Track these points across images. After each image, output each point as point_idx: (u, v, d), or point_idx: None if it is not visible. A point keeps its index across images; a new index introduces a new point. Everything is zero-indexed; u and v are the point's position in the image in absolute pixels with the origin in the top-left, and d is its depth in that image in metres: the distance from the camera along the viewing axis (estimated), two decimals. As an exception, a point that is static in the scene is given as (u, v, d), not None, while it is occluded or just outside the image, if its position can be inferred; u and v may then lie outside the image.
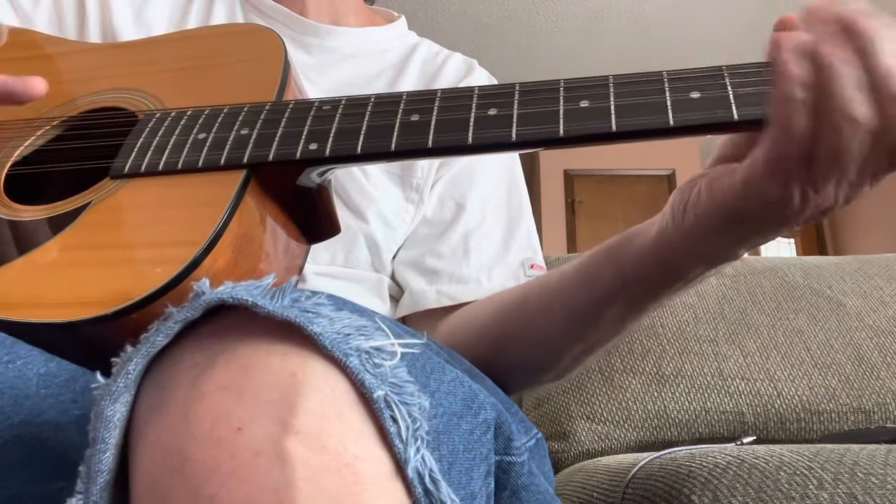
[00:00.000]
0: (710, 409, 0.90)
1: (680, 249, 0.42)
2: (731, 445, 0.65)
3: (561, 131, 0.38)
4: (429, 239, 0.66)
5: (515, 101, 0.40)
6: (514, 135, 0.39)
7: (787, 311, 1.00)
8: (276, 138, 0.43)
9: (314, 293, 0.30)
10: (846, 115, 0.32)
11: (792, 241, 3.98)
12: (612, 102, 0.38)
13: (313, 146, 0.42)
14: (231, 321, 0.29)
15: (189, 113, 0.46)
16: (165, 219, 0.41)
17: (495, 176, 0.70)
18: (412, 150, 0.41)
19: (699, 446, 0.62)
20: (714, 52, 3.39)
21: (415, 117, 0.41)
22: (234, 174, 0.42)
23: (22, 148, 0.50)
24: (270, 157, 0.42)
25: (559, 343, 0.53)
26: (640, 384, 0.92)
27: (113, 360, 0.29)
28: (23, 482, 0.35)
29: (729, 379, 0.92)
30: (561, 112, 0.39)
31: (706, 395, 0.91)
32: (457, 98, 0.42)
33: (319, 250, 0.61)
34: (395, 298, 0.67)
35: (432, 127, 0.41)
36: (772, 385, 0.91)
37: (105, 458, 0.27)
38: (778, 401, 0.90)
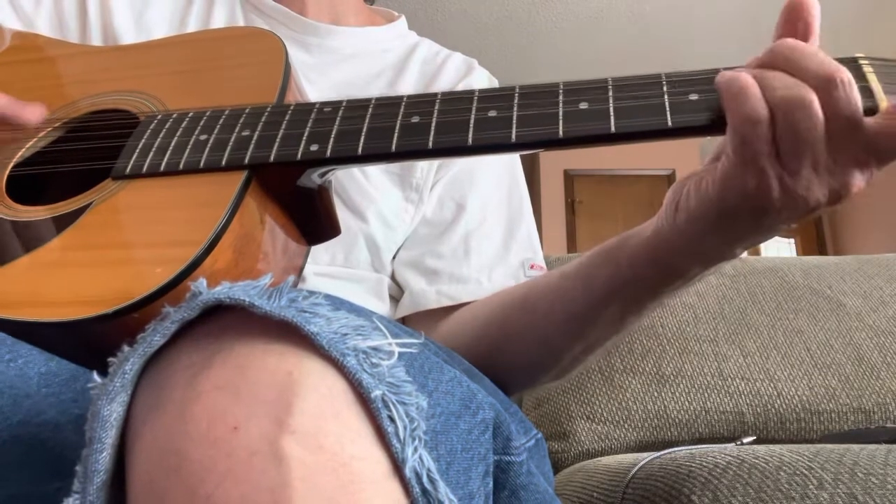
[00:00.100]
0: (710, 409, 0.90)
1: (675, 248, 0.42)
2: (731, 445, 0.65)
3: (560, 132, 0.39)
4: (429, 239, 0.66)
5: (515, 103, 0.41)
6: (513, 136, 0.39)
7: (787, 311, 1.00)
8: (278, 139, 0.43)
9: (311, 293, 0.30)
10: (785, 95, 0.35)
11: (792, 241, 3.97)
12: (610, 104, 0.39)
13: (314, 147, 0.42)
14: (228, 321, 0.29)
15: (190, 115, 0.46)
16: (166, 219, 0.41)
17: (495, 176, 0.70)
18: (412, 152, 0.41)
19: (699, 446, 0.62)
20: (714, 53, 3.39)
21: (415, 119, 0.42)
22: (236, 175, 0.42)
23: (24, 149, 0.50)
24: (272, 157, 0.42)
25: (559, 343, 0.53)
26: (640, 384, 0.92)
27: (110, 360, 0.29)
28: (21, 482, 0.35)
29: (729, 379, 0.92)
30: (560, 114, 0.39)
31: (706, 395, 0.91)
32: (457, 100, 0.42)
33: (319, 250, 0.61)
34: (395, 299, 0.67)
35: (433, 128, 0.41)
36: (772, 385, 0.91)
37: (102, 457, 0.27)
38: (778, 401, 0.90)
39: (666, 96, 0.38)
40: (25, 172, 0.50)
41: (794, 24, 0.38)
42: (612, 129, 0.38)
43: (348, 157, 0.42)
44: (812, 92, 0.34)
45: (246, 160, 0.42)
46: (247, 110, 0.45)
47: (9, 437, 0.35)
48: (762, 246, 3.91)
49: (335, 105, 0.44)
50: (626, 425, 0.90)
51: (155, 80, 0.53)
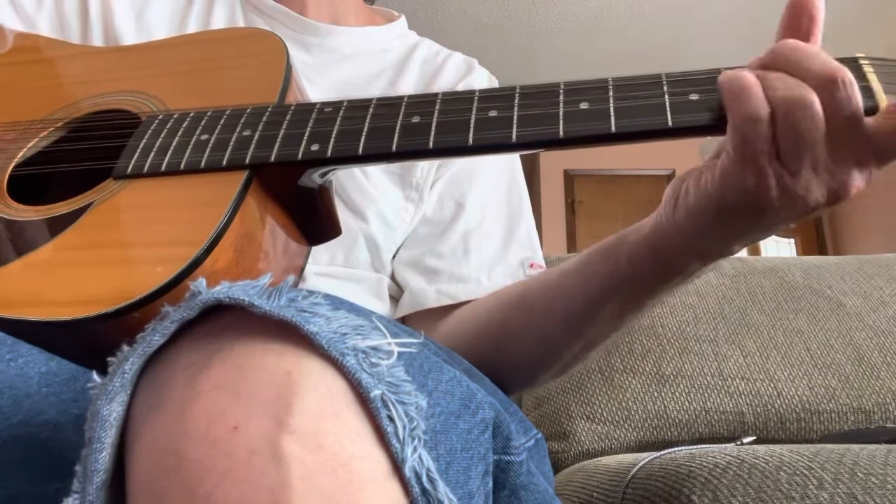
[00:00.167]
0: (710, 409, 0.90)
1: (673, 244, 0.42)
2: (731, 445, 0.65)
3: (561, 132, 0.39)
4: (428, 238, 0.66)
5: (515, 103, 0.41)
6: (514, 136, 0.39)
7: (787, 311, 1.00)
8: (279, 139, 0.43)
9: (311, 293, 0.30)
10: (786, 95, 0.35)
11: (792, 241, 3.97)
12: (611, 104, 0.39)
13: (315, 147, 0.42)
14: (227, 321, 0.29)
15: (192, 115, 0.46)
16: (167, 219, 0.41)
17: (495, 175, 0.70)
18: (413, 151, 0.41)
19: (699, 446, 0.62)
20: (714, 53, 3.39)
21: (416, 119, 0.42)
22: (236, 175, 0.42)
23: (25, 149, 0.50)
24: (272, 157, 0.42)
25: (558, 341, 0.53)
26: (640, 384, 0.92)
27: (109, 359, 0.29)
28: (21, 482, 0.35)
29: (729, 379, 0.92)
30: (561, 114, 0.39)
31: (706, 395, 0.91)
32: (457, 100, 0.42)
33: (319, 250, 0.61)
34: (395, 298, 0.67)
35: (433, 128, 0.41)
36: (772, 385, 0.91)
37: (101, 457, 0.27)
38: (778, 401, 0.90)
39: (666, 96, 0.38)
40: (27, 172, 0.50)
41: (798, 21, 0.38)
42: (613, 129, 0.38)
43: (349, 157, 0.42)
44: (813, 92, 0.34)
45: (247, 160, 0.42)
46: (248, 110, 0.45)
47: (9, 437, 0.35)
48: (762, 246, 3.91)
49: (336, 105, 0.44)
50: (626, 425, 0.90)
51: (156, 80, 0.53)
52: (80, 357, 0.40)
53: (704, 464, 0.53)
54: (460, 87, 0.71)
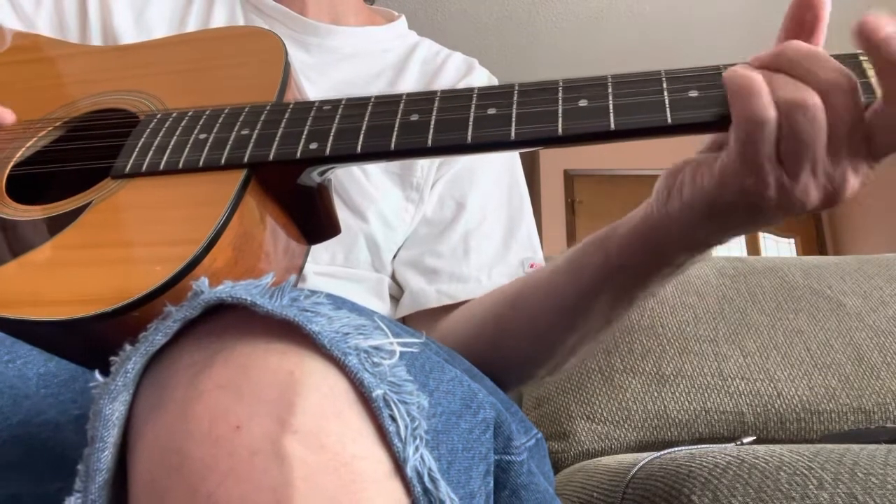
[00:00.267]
0: (710, 409, 0.90)
1: (664, 235, 0.43)
2: (731, 445, 0.65)
3: (559, 130, 0.39)
4: (429, 238, 0.66)
5: (514, 101, 0.41)
6: (513, 134, 0.39)
7: (787, 311, 1.00)
8: (277, 138, 0.43)
9: (313, 292, 0.30)
10: (790, 98, 0.34)
11: (792, 241, 3.97)
12: (610, 101, 0.39)
13: (313, 146, 0.42)
14: (230, 320, 0.29)
15: (190, 114, 0.46)
16: (166, 218, 0.41)
17: (495, 175, 0.70)
18: (412, 150, 0.41)
19: (699, 446, 0.62)
20: (714, 53, 3.39)
21: (414, 117, 0.42)
22: (235, 174, 0.42)
23: (24, 149, 0.50)
24: (271, 156, 0.42)
25: (552, 336, 0.53)
26: (640, 384, 0.92)
27: (111, 358, 0.29)
28: (22, 482, 0.35)
29: (729, 379, 0.92)
30: (560, 111, 0.39)
31: (706, 395, 0.91)
32: (456, 98, 0.42)
33: (319, 250, 0.61)
34: (396, 298, 0.67)
35: (432, 126, 0.41)
36: (772, 385, 0.91)
37: (104, 456, 0.27)
38: (778, 401, 0.90)
39: (666, 93, 0.38)
40: (26, 172, 0.50)
41: (802, 19, 0.38)
42: (612, 126, 0.38)
43: (347, 156, 0.42)
44: (817, 96, 0.34)
45: (245, 159, 0.42)
46: (246, 109, 0.45)
47: (9, 437, 0.35)
48: (762, 246, 3.91)
49: (334, 103, 0.44)
50: (626, 425, 0.90)
51: (155, 79, 0.53)
52: (80, 357, 0.40)
53: (704, 464, 0.53)
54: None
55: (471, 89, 0.42)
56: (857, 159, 0.36)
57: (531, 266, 0.66)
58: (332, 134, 0.42)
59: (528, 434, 0.43)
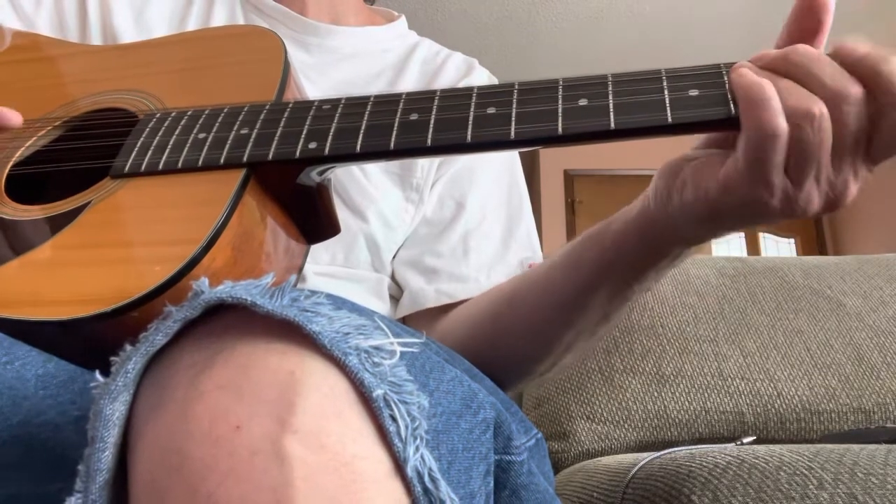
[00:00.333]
0: (710, 409, 0.90)
1: (661, 230, 0.43)
2: (731, 445, 0.65)
3: (559, 129, 0.39)
4: (428, 238, 0.66)
5: (514, 100, 0.40)
6: (512, 133, 0.39)
7: (787, 311, 1.00)
8: (276, 137, 0.43)
9: (313, 292, 0.30)
10: (796, 107, 0.34)
11: (792, 241, 3.97)
12: (610, 100, 0.39)
13: (313, 145, 0.42)
14: (230, 320, 0.29)
15: (189, 113, 0.46)
16: (165, 218, 0.41)
17: (495, 175, 0.70)
18: (411, 149, 0.41)
19: (699, 446, 0.62)
20: (714, 53, 3.38)
21: (414, 116, 0.41)
22: (234, 173, 0.42)
23: (23, 148, 0.50)
24: (270, 156, 0.42)
25: (549, 332, 0.53)
26: (640, 384, 0.92)
27: (112, 358, 0.29)
28: (22, 482, 0.35)
29: (729, 379, 0.92)
30: (560, 110, 0.39)
31: (706, 395, 0.91)
32: (456, 97, 0.42)
33: (319, 250, 0.61)
34: (396, 298, 0.67)
35: (431, 126, 0.41)
36: (772, 385, 0.91)
37: (104, 456, 0.27)
38: (778, 401, 0.90)
39: (666, 92, 0.38)
40: (25, 171, 0.50)
41: (806, 20, 0.38)
42: (612, 125, 0.38)
43: (347, 155, 0.42)
44: (822, 105, 0.34)
45: (244, 158, 0.42)
46: (245, 108, 0.45)
47: (9, 438, 0.35)
48: (762, 246, 3.91)
49: (334, 103, 0.44)
50: (626, 425, 0.90)
51: (154, 78, 0.53)
52: (79, 357, 0.40)
53: (704, 464, 0.53)
54: None
55: (470, 88, 0.42)
56: (858, 165, 0.36)
57: (530, 266, 0.66)
58: (331, 133, 0.42)
59: (528, 434, 0.43)
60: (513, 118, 0.40)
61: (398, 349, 0.29)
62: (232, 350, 0.27)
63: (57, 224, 0.43)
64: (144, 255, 0.39)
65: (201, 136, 0.44)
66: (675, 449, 0.62)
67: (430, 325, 0.63)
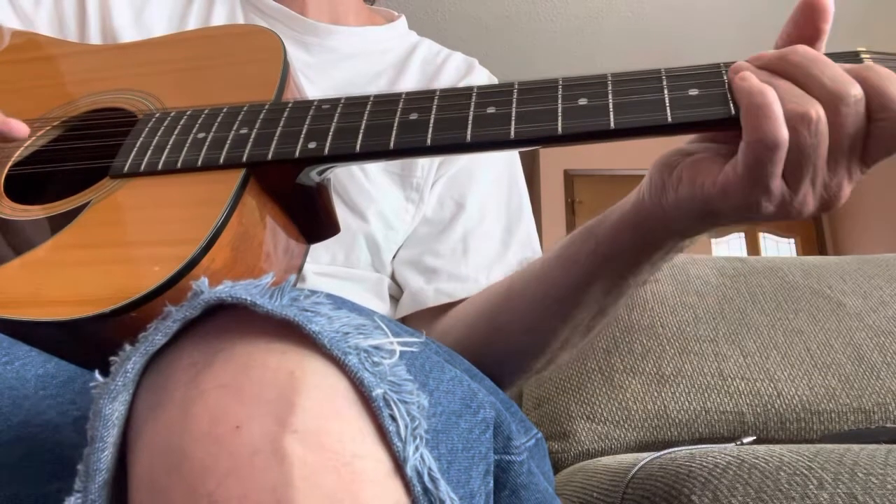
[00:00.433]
0: (710, 409, 0.90)
1: (655, 221, 0.43)
2: (731, 445, 0.65)
3: (559, 129, 0.39)
4: (428, 238, 0.66)
5: (514, 100, 0.40)
6: (512, 132, 0.39)
7: (787, 311, 1.00)
8: (276, 137, 0.43)
9: (313, 292, 0.30)
10: (793, 110, 0.34)
11: (792, 241, 3.97)
12: (610, 100, 0.39)
13: (312, 145, 0.42)
14: (230, 320, 0.29)
15: (188, 113, 0.46)
16: (164, 218, 0.41)
17: (495, 175, 0.70)
18: (411, 149, 0.41)
19: (699, 446, 0.62)
20: (714, 53, 3.38)
21: (413, 116, 0.41)
22: (233, 173, 0.42)
23: (22, 148, 0.50)
24: (269, 156, 0.42)
25: (545, 327, 0.53)
26: (640, 384, 0.92)
27: (111, 358, 0.29)
28: (21, 483, 0.35)
29: (729, 379, 0.92)
30: (559, 110, 0.39)
31: (706, 395, 0.91)
32: (455, 97, 0.42)
33: (319, 250, 0.61)
34: (396, 298, 0.67)
35: (431, 125, 0.41)
36: (772, 385, 0.91)
37: (104, 456, 0.27)
38: (778, 401, 0.90)
39: (666, 91, 0.38)
40: (24, 172, 0.50)
41: (806, 23, 0.38)
42: (612, 124, 0.38)
43: (346, 155, 0.42)
44: (820, 107, 0.34)
45: (244, 158, 0.42)
46: (245, 108, 0.45)
47: (9, 438, 0.34)
48: (762, 246, 3.91)
49: (333, 102, 0.44)
50: (626, 425, 0.90)
51: (153, 78, 0.53)
52: (79, 357, 0.39)
53: (704, 464, 0.53)
54: None
55: (470, 88, 0.42)
56: (853, 167, 0.36)
57: (530, 265, 0.66)
58: (330, 133, 0.42)
59: (528, 434, 0.43)
60: (512, 118, 0.40)
61: (398, 349, 0.29)
62: (232, 350, 0.27)
63: (56, 224, 0.43)
64: (144, 256, 0.39)
65: (200, 135, 0.44)
66: (675, 449, 0.62)
67: (429, 325, 0.63)
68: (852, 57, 0.37)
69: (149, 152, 0.44)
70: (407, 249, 0.67)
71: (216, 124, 0.45)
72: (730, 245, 3.80)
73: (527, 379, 0.60)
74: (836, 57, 0.36)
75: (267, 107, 0.45)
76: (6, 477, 0.34)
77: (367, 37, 0.72)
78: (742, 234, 3.86)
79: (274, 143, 0.42)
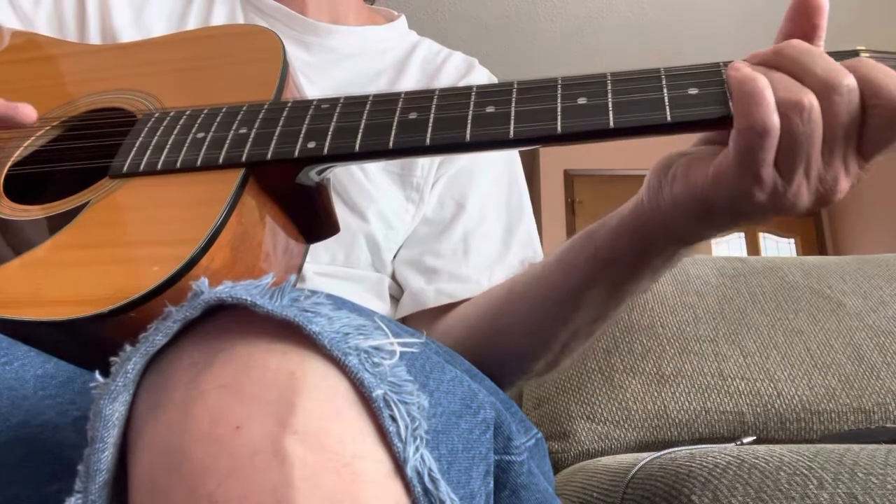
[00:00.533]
0: (710, 409, 0.90)
1: (653, 226, 0.43)
2: (731, 445, 0.65)
3: (559, 128, 0.38)
4: (428, 238, 0.66)
5: (513, 99, 0.40)
6: (511, 132, 0.39)
7: (787, 311, 1.00)
8: (275, 137, 0.43)
9: (313, 292, 0.30)
10: (785, 98, 0.34)
11: (792, 241, 3.97)
12: (609, 99, 0.39)
13: (311, 144, 0.42)
14: (230, 320, 0.29)
15: (188, 113, 0.46)
16: (163, 218, 0.41)
17: (495, 175, 0.70)
18: (410, 148, 0.41)
19: (699, 446, 0.62)
20: (714, 53, 3.38)
21: (413, 115, 0.41)
22: (233, 173, 0.42)
23: (22, 148, 0.50)
24: (269, 155, 0.42)
25: (545, 330, 0.53)
26: (640, 384, 0.92)
27: (112, 359, 0.29)
28: (21, 483, 0.34)
29: (729, 379, 0.92)
30: (559, 109, 0.39)
31: (706, 395, 0.91)
32: (455, 96, 0.42)
33: (319, 250, 0.61)
34: (396, 298, 0.67)
35: (430, 124, 0.41)
36: (772, 385, 0.91)
37: (104, 456, 0.27)
38: (778, 401, 0.90)
39: (665, 91, 0.38)
40: (23, 171, 0.50)
41: (801, 21, 0.38)
42: (611, 124, 0.38)
43: (346, 155, 0.42)
44: (813, 96, 0.34)
45: (243, 158, 0.42)
46: (244, 108, 0.45)
47: (8, 439, 0.34)
48: (762, 246, 3.91)
49: (332, 102, 0.44)
50: (626, 425, 0.90)
51: (153, 78, 0.52)
52: (78, 357, 0.39)
53: (704, 464, 0.53)
54: None
55: (469, 87, 0.42)
56: (849, 160, 0.36)
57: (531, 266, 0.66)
58: (330, 133, 0.42)
59: (528, 434, 0.43)
60: (512, 117, 0.40)
61: (398, 349, 0.29)
62: (232, 350, 0.27)
63: (56, 224, 0.43)
64: (143, 256, 0.39)
65: (200, 135, 0.44)
66: (675, 449, 0.62)
67: (430, 325, 0.63)
68: (852, 56, 0.37)
69: (148, 152, 0.44)
70: (407, 249, 0.67)
71: (215, 124, 0.45)
72: (730, 245, 3.79)
73: (527, 380, 0.60)
74: (837, 56, 0.36)
75: (266, 106, 0.45)
76: (6, 477, 0.34)
77: (367, 36, 0.72)
78: (742, 234, 3.86)
79: (273, 142, 0.42)
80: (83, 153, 0.48)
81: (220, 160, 0.42)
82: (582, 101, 0.39)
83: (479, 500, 0.33)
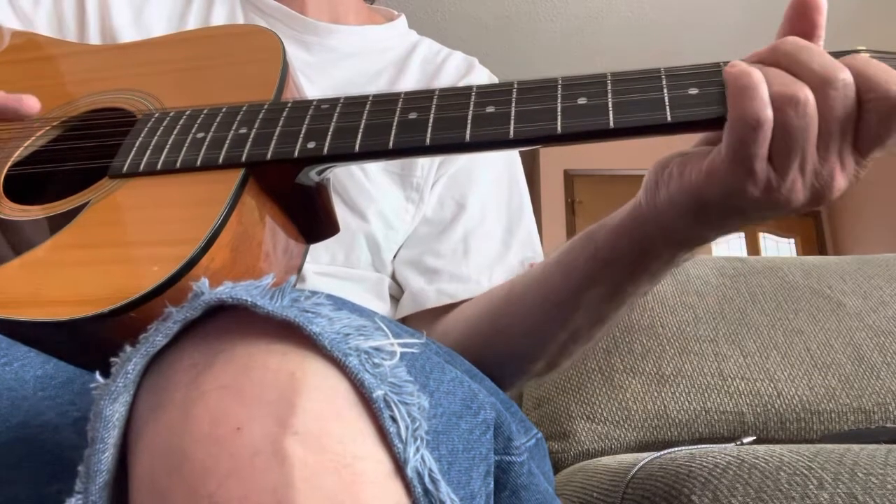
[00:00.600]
0: (710, 409, 0.90)
1: (650, 228, 0.43)
2: (731, 445, 0.65)
3: (559, 128, 0.38)
4: (429, 238, 0.66)
5: (513, 99, 0.40)
6: (511, 132, 0.39)
7: (787, 311, 1.00)
8: (275, 137, 0.43)
9: (313, 293, 0.30)
10: (780, 91, 0.34)
11: (792, 241, 3.97)
12: (609, 99, 0.38)
13: (311, 145, 0.42)
14: (230, 321, 0.29)
15: (187, 113, 0.46)
16: (163, 218, 0.41)
17: (495, 175, 0.70)
18: (410, 148, 0.41)
19: (699, 446, 0.62)
20: (714, 52, 3.38)
21: (413, 115, 0.41)
22: (233, 173, 0.42)
23: (22, 148, 0.50)
24: (269, 155, 0.42)
25: (544, 332, 0.53)
26: (640, 384, 0.92)
27: (112, 359, 0.29)
28: (21, 484, 0.34)
29: (729, 379, 0.92)
30: (559, 109, 0.39)
31: (706, 395, 0.91)
32: (455, 96, 0.42)
33: (319, 250, 0.61)
34: (396, 298, 0.67)
35: (430, 125, 0.41)
36: (772, 385, 0.91)
37: (104, 457, 0.27)
38: (778, 401, 0.90)
39: (665, 91, 0.38)
40: (23, 172, 0.50)
41: (800, 21, 0.38)
42: (611, 124, 0.38)
43: (346, 155, 0.42)
44: (808, 90, 0.34)
45: (243, 158, 0.42)
46: (244, 108, 0.45)
47: (8, 439, 0.34)
48: (762, 246, 3.91)
49: (332, 102, 0.44)
50: (626, 425, 0.90)
51: (153, 78, 0.52)
52: (79, 357, 0.39)
53: (704, 464, 0.53)
54: None
55: (469, 87, 0.42)
56: (845, 156, 0.35)
57: (531, 266, 0.66)
58: (329, 133, 0.42)
59: (528, 434, 0.43)
60: (512, 117, 0.40)
61: (398, 350, 0.29)
62: (232, 351, 0.27)
63: (56, 224, 0.43)
64: (143, 256, 0.39)
65: (199, 135, 0.44)
66: (675, 449, 0.62)
67: (430, 326, 0.63)
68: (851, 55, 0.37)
69: (148, 152, 0.44)
70: (407, 249, 0.67)
71: (215, 124, 0.45)
72: (730, 245, 3.79)
73: (527, 381, 0.60)
74: (836, 55, 0.36)
75: (266, 106, 0.45)
76: (6, 478, 0.34)
77: (367, 36, 0.72)
78: (742, 235, 3.86)
79: (273, 142, 0.42)
80: (83, 153, 0.48)
81: (220, 160, 0.42)
82: (582, 101, 0.39)
83: (480, 501, 0.33)
